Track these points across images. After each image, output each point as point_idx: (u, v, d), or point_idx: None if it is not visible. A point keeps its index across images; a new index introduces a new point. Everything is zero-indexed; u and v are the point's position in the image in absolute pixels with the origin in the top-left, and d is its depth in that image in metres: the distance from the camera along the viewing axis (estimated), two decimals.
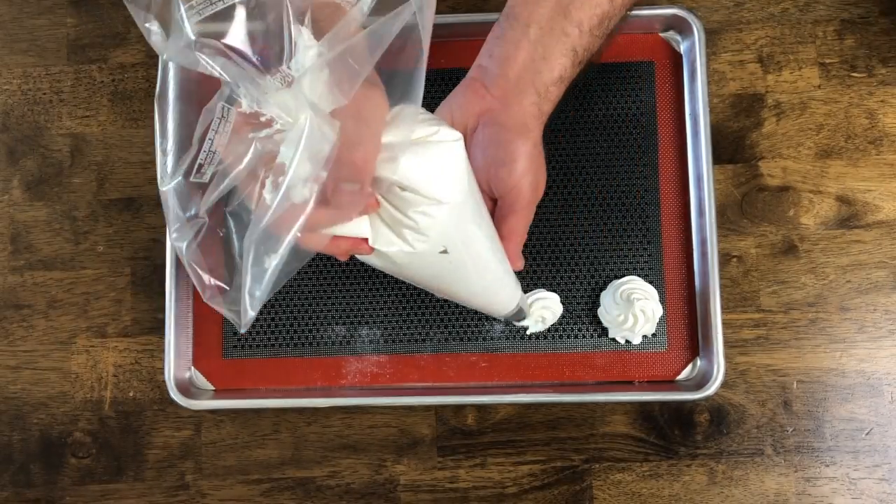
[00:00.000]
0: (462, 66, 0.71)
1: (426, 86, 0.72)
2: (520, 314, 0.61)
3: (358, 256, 0.46)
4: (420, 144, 0.43)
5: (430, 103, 0.69)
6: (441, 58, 0.71)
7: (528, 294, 0.67)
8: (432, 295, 0.69)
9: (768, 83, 0.71)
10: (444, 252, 0.46)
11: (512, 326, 0.68)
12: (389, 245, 0.44)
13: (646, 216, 0.69)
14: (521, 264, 0.55)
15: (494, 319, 0.68)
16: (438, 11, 0.73)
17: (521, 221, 0.54)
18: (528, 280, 0.69)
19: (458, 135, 0.44)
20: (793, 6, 0.72)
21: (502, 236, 0.53)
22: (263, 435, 0.69)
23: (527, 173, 0.52)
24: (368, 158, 0.40)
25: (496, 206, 0.54)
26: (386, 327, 0.68)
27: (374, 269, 0.69)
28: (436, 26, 0.71)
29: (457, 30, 0.71)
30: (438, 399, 0.67)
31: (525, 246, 0.68)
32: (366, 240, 0.44)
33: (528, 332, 0.68)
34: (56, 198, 0.73)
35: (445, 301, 0.68)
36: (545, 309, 0.66)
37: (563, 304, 0.67)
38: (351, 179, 0.40)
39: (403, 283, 0.69)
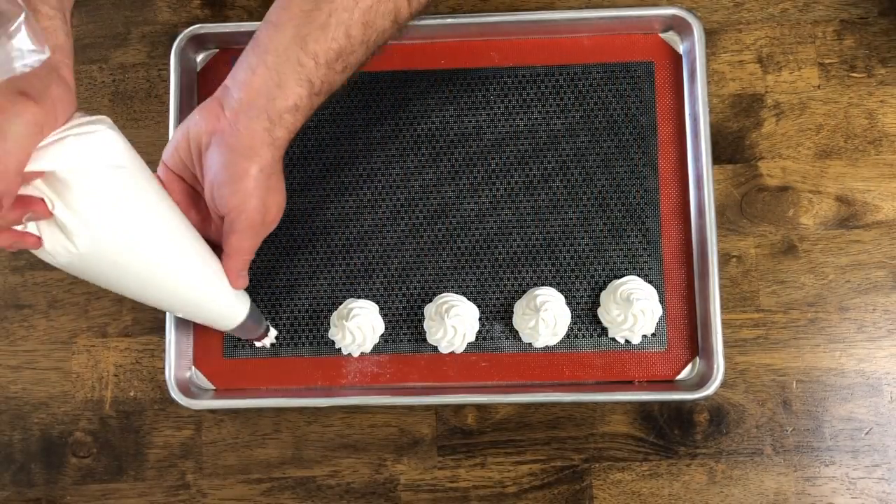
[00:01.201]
0: (463, 66, 0.72)
1: (426, 87, 0.72)
2: (251, 332, 0.64)
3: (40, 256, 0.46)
4: (68, 136, 0.42)
5: (432, 103, 0.70)
6: (441, 58, 0.71)
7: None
8: (432, 295, 0.69)
9: (768, 83, 0.71)
10: (120, 255, 0.46)
11: (511, 326, 0.68)
12: (55, 243, 0.44)
13: (645, 216, 0.69)
14: (242, 283, 0.58)
15: (494, 320, 0.68)
16: (439, 12, 0.73)
17: (243, 241, 0.55)
18: (529, 280, 0.69)
19: (106, 123, 0.45)
20: (792, 6, 0.72)
21: (226, 253, 0.55)
22: (264, 434, 0.69)
23: (250, 196, 0.52)
24: (8, 168, 0.39)
25: (223, 223, 0.55)
26: (386, 327, 0.68)
27: (373, 270, 0.69)
28: (437, 27, 0.72)
29: (457, 30, 0.71)
30: (438, 399, 0.67)
31: (525, 245, 0.68)
32: (33, 235, 0.44)
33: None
34: None
35: None
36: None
37: (565, 304, 0.67)
38: None
39: (404, 283, 0.69)
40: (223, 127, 0.51)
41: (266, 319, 0.67)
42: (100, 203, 0.44)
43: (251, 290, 0.70)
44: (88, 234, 0.44)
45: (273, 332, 0.68)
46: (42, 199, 0.42)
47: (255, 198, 0.53)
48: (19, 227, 0.44)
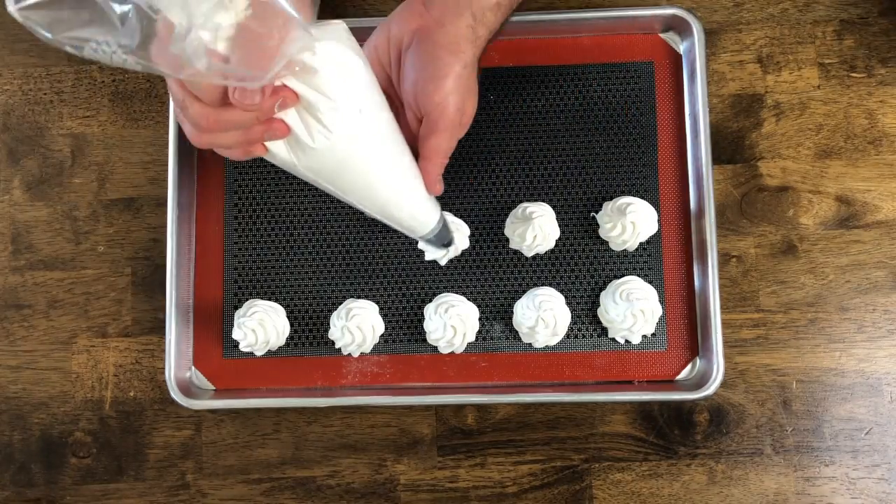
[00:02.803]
0: None
1: None
2: (439, 240, 0.61)
3: (271, 150, 0.46)
4: (334, 40, 0.44)
5: None
6: None
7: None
8: (432, 295, 0.69)
9: (768, 83, 0.71)
10: (346, 154, 0.47)
11: (511, 326, 0.68)
12: (303, 130, 0.45)
13: None
14: (439, 189, 0.56)
15: (494, 320, 0.68)
16: None
17: (442, 142, 0.54)
18: (529, 279, 0.69)
19: (342, 24, 0.45)
20: (792, 7, 0.72)
21: (423, 156, 0.54)
22: (264, 434, 0.69)
23: (453, 92, 0.52)
24: (279, 36, 0.40)
25: (420, 126, 0.54)
26: (386, 327, 0.68)
27: (373, 270, 0.69)
28: None
29: None
30: (438, 399, 0.67)
31: (525, 244, 0.68)
32: (282, 121, 0.44)
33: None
34: (57, 198, 0.73)
35: None
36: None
37: (565, 304, 0.67)
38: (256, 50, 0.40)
39: (404, 283, 0.69)
40: (428, 24, 0.52)
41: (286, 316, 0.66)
42: (349, 88, 0.45)
43: (252, 285, 0.70)
44: (339, 118, 0.45)
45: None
46: (289, 88, 0.43)
47: (457, 94, 0.53)
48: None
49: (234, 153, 0.47)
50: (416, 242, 0.69)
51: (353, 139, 0.46)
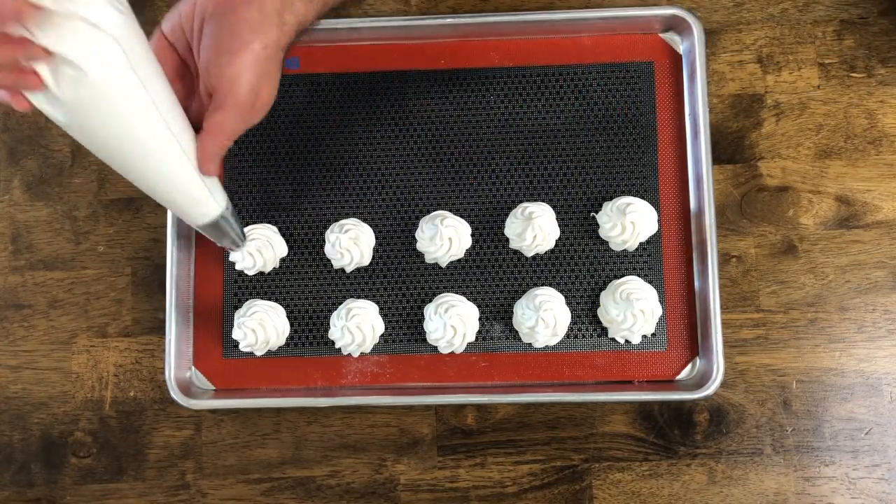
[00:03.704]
0: (463, 66, 0.72)
1: (426, 87, 0.73)
2: (219, 233, 0.60)
3: (32, 101, 0.46)
4: None
5: (432, 103, 0.70)
6: (441, 59, 0.71)
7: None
8: (432, 295, 0.69)
9: (768, 83, 0.71)
10: (101, 118, 0.46)
11: (511, 326, 0.68)
12: (54, 84, 0.44)
13: None
14: (212, 169, 0.54)
15: (494, 320, 0.68)
16: (440, 12, 0.73)
17: (227, 119, 0.52)
18: (529, 279, 0.69)
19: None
20: (792, 7, 0.72)
21: (204, 129, 0.52)
22: (264, 434, 0.69)
23: (248, 70, 0.51)
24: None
25: (211, 101, 0.53)
26: (386, 327, 0.68)
27: (373, 269, 0.69)
28: (436, 27, 0.71)
29: (457, 30, 0.71)
30: (438, 399, 0.67)
31: (525, 244, 0.68)
32: (35, 74, 0.44)
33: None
34: (57, 198, 0.73)
35: None
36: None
37: (565, 304, 0.67)
38: None
39: (404, 283, 0.69)
40: None
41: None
42: (99, 45, 0.44)
43: (252, 285, 0.70)
44: (84, 78, 0.44)
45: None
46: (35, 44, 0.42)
47: (251, 74, 0.51)
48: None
49: None
50: (416, 243, 0.69)
51: (102, 100, 0.45)
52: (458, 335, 0.66)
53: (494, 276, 0.69)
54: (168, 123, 0.50)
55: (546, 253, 0.69)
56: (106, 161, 0.51)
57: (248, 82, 0.51)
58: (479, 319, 0.68)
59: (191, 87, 0.55)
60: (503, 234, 0.69)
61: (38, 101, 0.45)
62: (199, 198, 0.55)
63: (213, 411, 0.69)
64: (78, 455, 0.70)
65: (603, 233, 0.68)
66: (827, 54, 0.71)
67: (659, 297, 0.67)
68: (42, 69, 0.43)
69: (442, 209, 0.69)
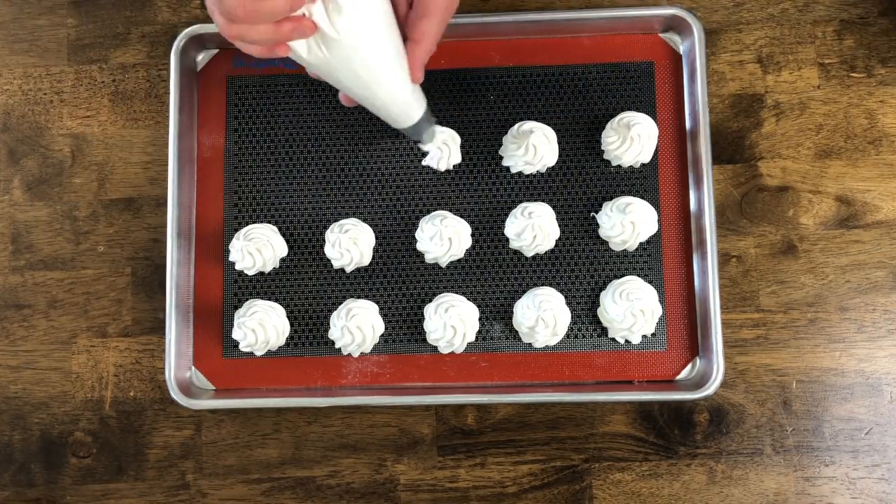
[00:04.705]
0: (462, 66, 0.72)
1: (427, 87, 0.72)
2: (420, 131, 0.64)
3: (294, 50, 0.50)
4: None
5: (432, 103, 0.70)
6: (441, 58, 0.71)
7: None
8: (432, 295, 0.69)
9: (768, 83, 0.71)
10: (357, 43, 0.51)
11: (511, 326, 0.68)
12: (321, 29, 0.49)
13: None
14: (420, 76, 0.57)
15: (494, 320, 0.68)
16: None
17: (433, 25, 0.55)
18: (529, 279, 0.69)
19: None
20: (792, 7, 0.72)
21: (412, 39, 0.55)
22: (264, 434, 0.69)
23: None
24: None
25: (411, 10, 0.55)
26: (386, 327, 0.68)
27: (373, 270, 0.69)
28: None
29: (457, 30, 0.71)
30: (438, 399, 0.67)
31: (524, 243, 0.68)
32: (309, 20, 0.48)
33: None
34: (57, 198, 0.73)
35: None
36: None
37: (565, 304, 0.67)
38: None
39: (404, 283, 0.69)
40: None
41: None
42: None
43: (252, 285, 0.70)
44: (355, 7, 0.49)
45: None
46: None
47: None
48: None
49: (258, 50, 0.49)
50: (416, 243, 0.69)
51: (366, 27, 0.50)
52: (458, 335, 0.66)
53: (494, 276, 0.69)
54: (397, 44, 0.54)
55: (546, 253, 0.69)
56: (344, 88, 0.56)
57: None
58: (479, 319, 0.68)
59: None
60: (503, 234, 0.69)
61: (301, 47, 0.50)
62: (409, 102, 0.60)
63: (213, 411, 0.69)
64: (78, 455, 0.70)
65: (603, 233, 0.68)
66: (827, 54, 0.71)
67: (659, 297, 0.67)
68: (317, 11, 0.48)
69: (442, 209, 0.69)
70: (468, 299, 0.68)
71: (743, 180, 0.70)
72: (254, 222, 0.70)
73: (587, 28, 0.71)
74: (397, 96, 0.58)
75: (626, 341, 0.68)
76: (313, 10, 0.48)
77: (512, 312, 0.68)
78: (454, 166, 0.70)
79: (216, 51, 0.73)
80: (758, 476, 0.67)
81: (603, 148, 0.69)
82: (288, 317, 0.69)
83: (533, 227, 0.66)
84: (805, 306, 0.68)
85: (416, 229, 0.69)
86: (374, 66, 0.53)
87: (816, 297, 0.69)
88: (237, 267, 0.68)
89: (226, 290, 0.70)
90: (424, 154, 0.70)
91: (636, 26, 0.71)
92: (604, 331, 0.68)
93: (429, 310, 0.67)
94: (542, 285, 0.68)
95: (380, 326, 0.68)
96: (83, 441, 0.70)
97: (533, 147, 0.67)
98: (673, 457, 0.67)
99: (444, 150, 0.69)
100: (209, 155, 0.71)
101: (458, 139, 0.70)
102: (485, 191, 0.70)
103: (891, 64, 0.71)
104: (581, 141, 0.70)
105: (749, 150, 0.70)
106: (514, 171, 0.69)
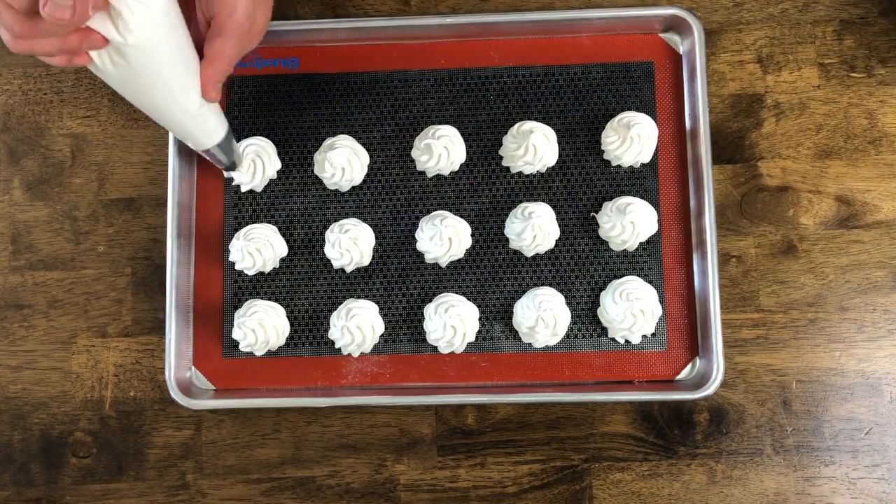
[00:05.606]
0: (463, 66, 0.72)
1: (426, 87, 0.73)
2: (221, 157, 0.63)
3: (93, 61, 0.48)
4: None
5: (432, 103, 0.70)
6: (441, 58, 0.71)
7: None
8: (432, 295, 0.69)
9: (768, 83, 0.71)
10: (149, 60, 0.49)
11: (511, 326, 0.68)
12: (111, 32, 0.47)
13: None
14: (214, 96, 0.56)
15: (494, 320, 0.68)
16: (439, 12, 0.73)
17: (227, 46, 0.54)
18: (529, 279, 0.69)
19: None
20: (792, 7, 0.72)
21: (206, 57, 0.54)
22: (264, 434, 0.69)
23: None
24: None
25: (209, 28, 0.55)
26: (386, 327, 0.68)
27: (373, 270, 0.69)
28: (436, 27, 0.71)
29: (457, 30, 0.71)
30: (438, 399, 0.67)
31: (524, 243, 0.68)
32: (97, 33, 0.46)
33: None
34: (57, 198, 0.73)
35: None
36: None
37: (565, 304, 0.67)
38: None
39: (404, 283, 0.69)
40: None
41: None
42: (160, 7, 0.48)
43: (252, 285, 0.70)
44: (142, 20, 0.47)
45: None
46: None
47: (248, 1, 0.53)
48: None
49: (57, 61, 0.48)
50: (416, 243, 0.69)
51: (154, 43, 0.48)
52: (458, 335, 0.66)
53: (494, 276, 0.69)
54: (190, 61, 0.53)
55: (546, 253, 0.69)
56: (141, 106, 0.54)
57: (246, 8, 0.53)
58: (479, 319, 0.68)
59: (187, 14, 0.55)
60: (503, 234, 0.69)
61: (98, 55, 0.48)
62: (207, 120, 0.58)
63: (213, 411, 0.69)
64: (78, 455, 0.70)
65: (603, 233, 0.68)
66: (827, 54, 0.71)
67: (659, 297, 0.67)
68: (104, 25, 0.46)
69: (442, 209, 0.69)
70: (468, 299, 0.68)
71: (743, 180, 0.70)
72: (254, 222, 0.70)
73: (587, 28, 0.71)
74: (193, 114, 0.56)
75: (626, 341, 0.68)
76: (99, 23, 0.46)
77: (512, 312, 0.68)
78: (458, 166, 0.70)
79: None
80: (758, 476, 0.67)
81: (603, 148, 0.69)
82: (288, 317, 0.69)
83: (533, 227, 0.66)
84: (805, 306, 0.68)
85: (415, 229, 0.69)
86: (166, 81, 0.52)
87: (816, 297, 0.69)
88: (237, 267, 0.68)
89: (226, 290, 0.70)
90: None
91: (636, 26, 0.71)
92: (604, 331, 0.68)
93: (429, 310, 0.67)
94: (542, 285, 0.68)
95: (380, 326, 0.68)
96: (83, 441, 0.70)
97: (533, 147, 0.67)
98: (673, 457, 0.67)
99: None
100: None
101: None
102: (485, 191, 0.70)
103: (891, 64, 0.71)
104: (581, 141, 0.70)
105: (749, 150, 0.70)
106: (513, 171, 0.69)
